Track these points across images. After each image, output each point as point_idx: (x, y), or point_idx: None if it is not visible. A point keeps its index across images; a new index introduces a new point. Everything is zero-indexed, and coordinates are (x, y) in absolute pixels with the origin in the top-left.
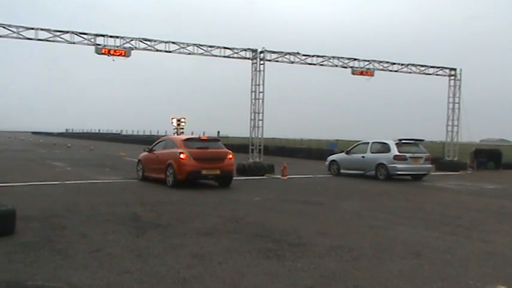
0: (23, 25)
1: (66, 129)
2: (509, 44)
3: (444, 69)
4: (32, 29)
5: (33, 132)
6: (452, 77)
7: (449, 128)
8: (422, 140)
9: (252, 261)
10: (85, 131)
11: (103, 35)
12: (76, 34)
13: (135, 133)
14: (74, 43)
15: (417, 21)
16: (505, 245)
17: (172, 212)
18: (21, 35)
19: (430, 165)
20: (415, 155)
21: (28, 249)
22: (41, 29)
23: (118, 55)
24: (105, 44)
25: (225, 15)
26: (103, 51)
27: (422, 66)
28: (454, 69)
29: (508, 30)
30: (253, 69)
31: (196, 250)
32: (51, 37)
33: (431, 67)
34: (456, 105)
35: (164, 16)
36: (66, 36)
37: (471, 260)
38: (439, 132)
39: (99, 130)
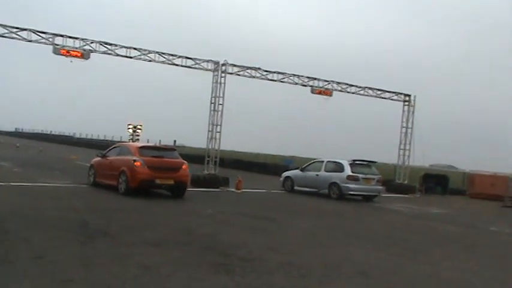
0: None
1: (16, 129)
2: (460, 75)
3: (399, 95)
4: None
5: None
6: (406, 103)
7: (401, 152)
8: (375, 162)
9: (201, 275)
10: (36, 131)
11: (62, 35)
12: (34, 32)
13: (88, 137)
14: (31, 41)
15: (377, 45)
16: (447, 268)
17: (122, 220)
18: None
19: (381, 187)
20: (367, 176)
21: None
22: None
23: (75, 56)
24: (64, 44)
25: (189, 25)
26: (61, 52)
27: (378, 90)
28: (409, 96)
29: (459, 62)
30: (214, 81)
31: (144, 261)
32: (7, 33)
33: (387, 92)
34: (409, 130)
35: (124, 20)
36: (24, 34)
37: (416, 282)
38: (391, 155)
39: (50, 131)
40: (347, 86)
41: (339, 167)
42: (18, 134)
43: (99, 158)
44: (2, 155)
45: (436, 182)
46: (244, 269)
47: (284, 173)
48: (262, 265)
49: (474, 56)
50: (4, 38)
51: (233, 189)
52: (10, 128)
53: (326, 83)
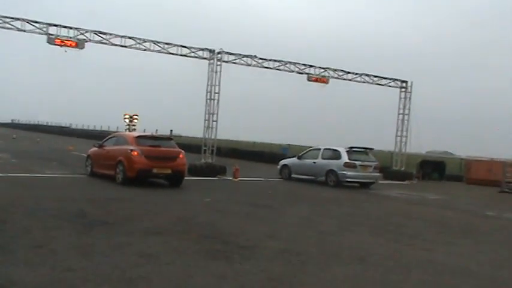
0: None
1: (12, 120)
2: (456, 61)
3: (396, 81)
4: None
5: None
6: (403, 89)
7: (398, 139)
8: (372, 149)
9: (200, 262)
10: (32, 122)
11: (56, 25)
12: (27, 22)
13: (85, 127)
14: (24, 31)
15: (374, 33)
16: (444, 253)
17: (121, 210)
18: None
19: (378, 174)
20: (364, 163)
21: None
22: None
23: (69, 46)
24: (58, 34)
25: (185, 12)
26: (56, 42)
27: (375, 76)
28: (406, 82)
29: (456, 49)
30: (210, 69)
31: (143, 249)
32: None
33: (384, 78)
34: (406, 117)
35: (121, 11)
36: (17, 24)
37: (413, 267)
38: (388, 142)
39: (47, 122)
40: (343, 73)
41: (336, 155)
42: (14, 126)
43: (96, 148)
44: None
45: (433, 169)
46: (242, 256)
47: (281, 161)
48: (260, 252)
49: (471, 42)
50: None
51: (230, 178)
52: (6, 119)
53: (322, 70)
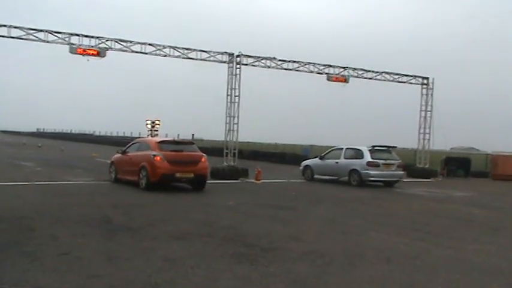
0: None
1: (37, 129)
2: (479, 56)
3: (417, 78)
4: (4, 26)
5: (1, 131)
6: (424, 86)
7: (421, 136)
8: (395, 147)
9: (225, 266)
10: (57, 131)
11: (77, 35)
12: (50, 33)
13: (108, 134)
14: (48, 42)
15: (396, 30)
16: (473, 252)
17: (145, 215)
18: None
19: (401, 172)
20: (388, 161)
21: None
22: (14, 27)
23: (91, 55)
24: (80, 43)
25: (204, 15)
26: (78, 51)
27: (396, 74)
28: (427, 78)
29: (478, 44)
30: (230, 72)
31: (168, 254)
32: (24, 35)
33: (405, 75)
34: (428, 114)
35: (142, 17)
36: (40, 35)
37: (440, 266)
38: (411, 140)
39: (71, 130)
40: (363, 71)
41: (358, 154)
42: (39, 134)
43: (119, 155)
44: (26, 155)
45: (458, 165)
46: (267, 258)
47: (303, 162)
48: (285, 254)
49: (495, 36)
50: (22, 40)
51: (253, 180)
52: (32, 128)
53: (342, 69)
